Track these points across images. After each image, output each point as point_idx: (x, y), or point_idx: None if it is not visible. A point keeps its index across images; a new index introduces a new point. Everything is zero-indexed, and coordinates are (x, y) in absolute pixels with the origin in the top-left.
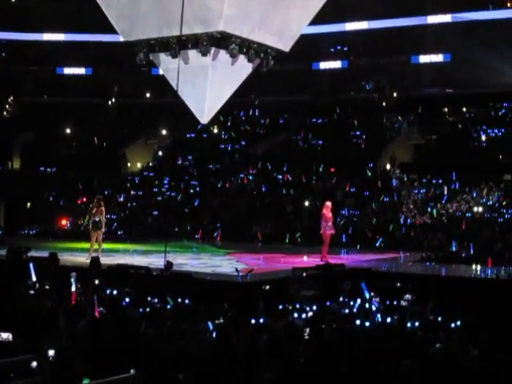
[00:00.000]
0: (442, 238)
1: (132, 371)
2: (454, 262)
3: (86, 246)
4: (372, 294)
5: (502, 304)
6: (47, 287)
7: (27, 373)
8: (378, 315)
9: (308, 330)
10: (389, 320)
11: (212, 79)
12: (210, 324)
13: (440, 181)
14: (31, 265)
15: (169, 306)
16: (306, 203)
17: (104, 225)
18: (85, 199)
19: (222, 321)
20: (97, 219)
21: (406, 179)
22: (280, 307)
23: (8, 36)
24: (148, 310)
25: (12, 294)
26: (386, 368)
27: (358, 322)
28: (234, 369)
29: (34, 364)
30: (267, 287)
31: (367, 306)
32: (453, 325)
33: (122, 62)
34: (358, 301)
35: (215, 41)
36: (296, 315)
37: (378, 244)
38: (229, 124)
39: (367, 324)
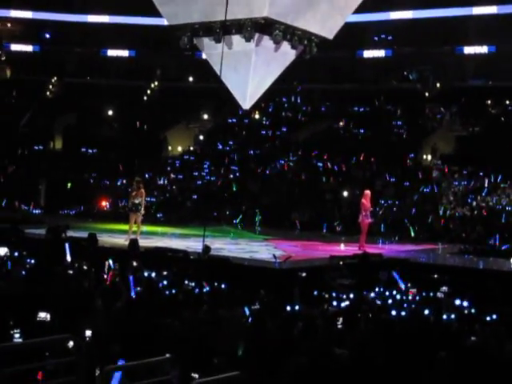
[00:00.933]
0: (480, 231)
1: (167, 355)
2: (493, 256)
3: (125, 227)
4: (408, 284)
5: None
6: (85, 267)
7: (63, 352)
8: (413, 306)
9: (341, 319)
10: (425, 312)
11: (255, 65)
12: (246, 309)
13: (481, 173)
14: (67, 245)
15: (205, 290)
16: (346, 192)
17: (143, 207)
18: (125, 181)
19: (257, 306)
20: (136, 201)
21: (446, 170)
22: (316, 295)
23: (53, 17)
24: (184, 293)
25: (50, 274)
26: (421, 359)
27: (393, 312)
28: (267, 354)
29: (71, 344)
30: (303, 274)
31: (402, 297)
32: (488, 318)
33: (166, 45)
34: (394, 292)
35: (259, 26)
36: (334, 303)
37: (412, 234)
38: (270, 110)
39: (403, 314)
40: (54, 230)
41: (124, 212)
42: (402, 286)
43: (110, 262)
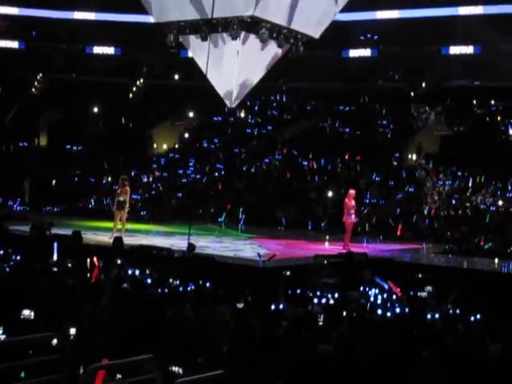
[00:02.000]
0: (465, 231)
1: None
2: (477, 255)
3: (110, 225)
4: (391, 284)
5: None
6: (69, 265)
7: (47, 350)
8: (397, 306)
9: (323, 316)
10: (408, 311)
11: (241, 63)
12: (229, 308)
13: (465, 173)
14: (55, 244)
15: (189, 289)
16: (330, 191)
17: (128, 205)
18: (110, 179)
19: (242, 305)
20: (121, 199)
21: (431, 170)
22: (300, 294)
23: (38, 13)
24: (168, 291)
25: (34, 271)
26: (404, 358)
27: (379, 311)
28: (251, 353)
29: (55, 341)
30: (288, 273)
31: (385, 296)
32: (472, 318)
33: (152, 42)
34: (376, 291)
35: (245, 25)
36: (316, 302)
37: (398, 232)
38: (256, 109)
39: (388, 314)
40: (38, 227)
41: (109, 209)
42: (385, 286)
43: (95, 259)
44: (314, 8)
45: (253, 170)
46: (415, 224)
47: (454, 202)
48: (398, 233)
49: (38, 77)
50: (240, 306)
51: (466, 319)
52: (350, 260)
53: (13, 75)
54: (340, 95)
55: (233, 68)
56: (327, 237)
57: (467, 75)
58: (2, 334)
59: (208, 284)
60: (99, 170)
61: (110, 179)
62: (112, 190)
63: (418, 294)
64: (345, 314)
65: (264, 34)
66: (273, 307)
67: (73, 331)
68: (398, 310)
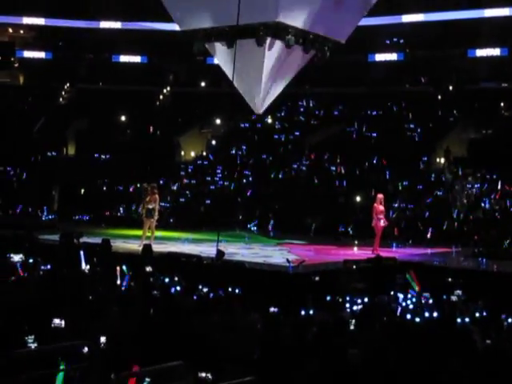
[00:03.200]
0: (494, 234)
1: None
2: (507, 259)
3: (139, 233)
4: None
5: None
6: (99, 273)
7: (77, 358)
8: (426, 310)
9: (354, 321)
10: (438, 315)
11: (267, 69)
12: (259, 314)
13: (494, 176)
14: (81, 252)
15: (219, 295)
16: (359, 195)
17: (157, 213)
18: (138, 186)
19: (272, 311)
20: (150, 207)
21: (459, 173)
22: (330, 299)
23: (65, 23)
24: (198, 298)
25: (64, 280)
26: (434, 364)
27: (408, 316)
28: (282, 359)
29: (85, 350)
30: (317, 278)
31: (415, 300)
32: (504, 323)
33: (178, 50)
34: (408, 295)
35: (271, 31)
36: (347, 307)
37: (428, 235)
38: (283, 114)
39: (417, 319)
40: (67, 235)
41: (138, 218)
42: (416, 288)
43: (124, 267)
44: (339, 13)
45: (280, 176)
46: (444, 228)
47: (482, 205)
48: (428, 236)
49: (66, 86)
50: (270, 312)
51: (496, 323)
52: (380, 264)
53: (40, 85)
54: (367, 100)
55: (259, 74)
56: (356, 242)
57: (494, 77)
58: (33, 342)
59: (237, 290)
60: (127, 179)
61: (138, 187)
62: (140, 198)
63: (450, 297)
64: (374, 319)
65: (290, 39)
66: (302, 313)
67: (103, 339)
68: (427, 314)
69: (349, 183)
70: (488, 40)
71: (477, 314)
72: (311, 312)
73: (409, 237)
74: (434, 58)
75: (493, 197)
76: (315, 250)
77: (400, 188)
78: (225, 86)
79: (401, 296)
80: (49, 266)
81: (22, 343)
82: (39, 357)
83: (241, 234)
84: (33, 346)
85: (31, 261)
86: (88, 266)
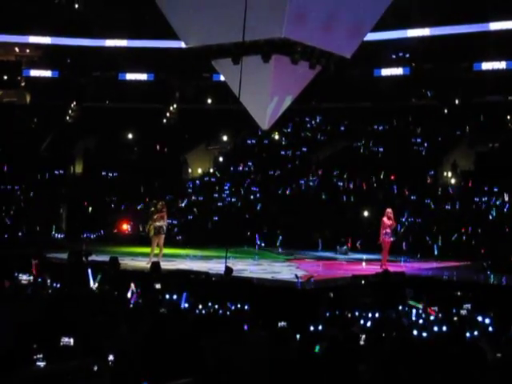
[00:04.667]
0: (503, 247)
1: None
2: None
3: (147, 250)
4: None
5: None
6: (108, 291)
7: (87, 376)
8: (435, 325)
9: (364, 336)
10: (448, 330)
11: (273, 85)
12: (268, 331)
13: (502, 189)
14: (89, 270)
15: (228, 312)
16: (366, 210)
17: (165, 230)
18: (146, 204)
19: (281, 327)
20: (158, 224)
21: (467, 187)
22: (339, 315)
23: (71, 42)
24: (206, 315)
25: (73, 298)
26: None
27: (415, 332)
28: (291, 375)
29: (95, 368)
30: (331, 294)
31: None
32: None
33: (184, 67)
34: (416, 310)
35: (277, 47)
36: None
37: (435, 252)
38: (290, 130)
39: (424, 334)
40: (76, 254)
41: (146, 235)
42: (420, 306)
43: (133, 285)
44: (344, 28)
45: (288, 192)
46: (452, 241)
47: (490, 217)
48: (435, 251)
49: (72, 105)
50: (279, 328)
51: (506, 336)
52: (388, 279)
53: (47, 104)
54: (373, 114)
55: (265, 90)
56: (364, 257)
57: (500, 91)
58: (42, 361)
59: (246, 307)
60: (135, 196)
61: (145, 204)
62: (148, 216)
63: (459, 311)
64: (384, 334)
65: (296, 55)
66: (311, 329)
67: (112, 357)
68: (435, 329)
69: (356, 198)
70: (494, 53)
71: (488, 328)
72: (320, 327)
73: (417, 251)
74: (439, 72)
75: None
76: (323, 265)
77: (407, 202)
78: (231, 102)
79: (412, 311)
80: (57, 285)
81: (31, 362)
82: (48, 375)
83: (249, 251)
84: (42, 364)
85: (39, 279)
86: (96, 285)
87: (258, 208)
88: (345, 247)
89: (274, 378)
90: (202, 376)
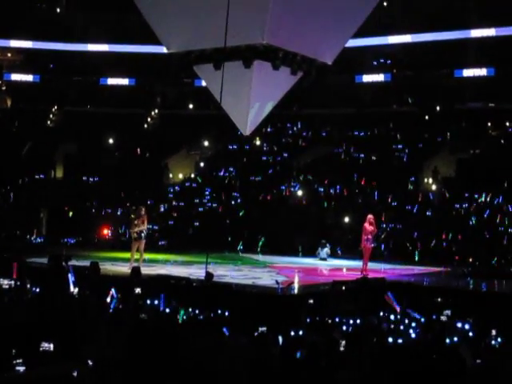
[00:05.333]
0: (483, 253)
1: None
2: (496, 278)
3: (128, 255)
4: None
5: None
6: (88, 296)
7: (67, 381)
8: (411, 331)
9: (344, 342)
10: (427, 335)
11: (255, 91)
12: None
13: (482, 196)
14: (70, 275)
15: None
16: (347, 216)
17: (145, 235)
18: (126, 209)
19: (260, 333)
20: (138, 229)
21: (447, 193)
22: (320, 321)
23: (52, 46)
24: (187, 320)
25: (53, 303)
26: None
27: (392, 338)
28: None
29: (74, 373)
30: (311, 301)
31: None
32: (493, 341)
33: (165, 73)
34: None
35: (258, 53)
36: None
37: (416, 258)
38: (271, 136)
39: (401, 341)
40: (55, 258)
41: (126, 240)
42: (397, 308)
43: (113, 290)
44: (326, 34)
45: (269, 198)
46: (433, 247)
47: (471, 224)
48: (416, 257)
49: (53, 109)
50: (259, 333)
51: (486, 342)
52: (368, 285)
53: (28, 108)
54: (354, 121)
55: (247, 96)
56: (345, 263)
57: (481, 98)
58: (21, 365)
59: (226, 313)
60: (116, 201)
61: (126, 209)
62: (129, 221)
63: (439, 317)
64: (364, 340)
65: (277, 61)
66: (291, 334)
67: (92, 362)
68: (413, 336)
69: (337, 204)
70: (474, 60)
71: (468, 334)
72: (300, 333)
73: (397, 257)
74: (420, 79)
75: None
76: (304, 271)
77: (388, 208)
78: (213, 108)
79: (391, 316)
80: (37, 289)
81: (10, 367)
82: (27, 380)
83: (229, 256)
84: (21, 369)
85: (19, 283)
86: (77, 289)
87: (240, 214)
88: (326, 249)
89: (255, 382)
90: (182, 382)
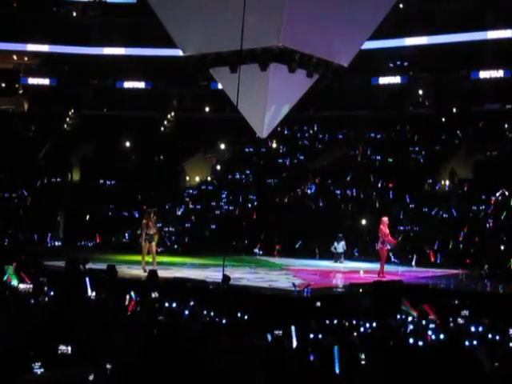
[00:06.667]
0: (501, 255)
1: None
2: None
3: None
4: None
5: None
6: (105, 299)
7: None
8: (431, 333)
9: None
10: (446, 338)
11: (271, 94)
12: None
13: (500, 198)
14: (87, 279)
15: (224, 320)
16: (364, 219)
17: (157, 237)
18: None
19: (278, 335)
20: (150, 232)
21: (465, 195)
22: (337, 323)
23: (70, 50)
24: (204, 323)
25: (70, 306)
26: None
27: (411, 340)
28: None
29: (91, 377)
30: (318, 304)
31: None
32: (511, 344)
33: (182, 76)
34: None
35: (274, 55)
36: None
37: (437, 260)
38: (287, 139)
39: (420, 343)
40: (73, 261)
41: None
42: (414, 314)
43: (132, 293)
44: (342, 36)
45: (286, 200)
46: (450, 250)
47: (487, 226)
48: (432, 259)
49: (70, 113)
50: (275, 336)
51: (503, 345)
52: (385, 288)
53: (45, 112)
54: (371, 123)
55: (263, 99)
56: (362, 265)
57: (498, 99)
58: (40, 368)
59: (243, 315)
60: (132, 204)
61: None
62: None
63: (457, 320)
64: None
65: (293, 63)
66: (308, 337)
67: (109, 365)
68: (433, 337)
69: (354, 206)
70: (491, 62)
71: (486, 337)
72: (314, 336)
73: (415, 259)
74: (437, 81)
75: None
76: (321, 273)
77: (405, 210)
78: (229, 110)
79: (409, 319)
80: (54, 293)
81: (29, 369)
82: (46, 383)
83: (246, 259)
84: (39, 371)
85: (37, 287)
86: (94, 293)
87: (255, 217)
88: (342, 242)
89: None
90: None
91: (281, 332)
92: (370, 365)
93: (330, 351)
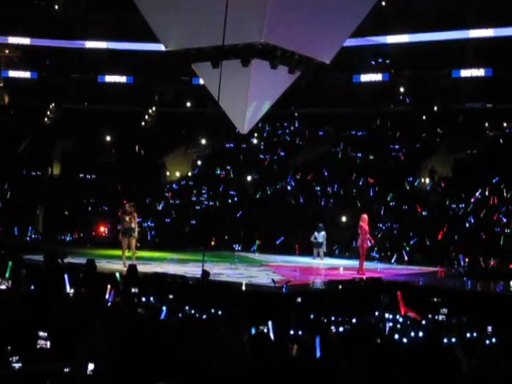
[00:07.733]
0: (479, 253)
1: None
2: (491, 278)
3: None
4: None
5: None
6: (83, 294)
7: (62, 379)
8: (412, 330)
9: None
10: (424, 335)
11: (252, 90)
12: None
13: (479, 196)
14: (66, 275)
15: (204, 315)
16: (344, 215)
17: (136, 231)
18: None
19: (257, 331)
20: (129, 226)
21: (444, 193)
22: (315, 320)
23: (50, 43)
24: (183, 318)
25: (48, 301)
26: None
27: (396, 336)
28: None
29: (68, 370)
30: (299, 299)
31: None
32: (487, 341)
33: (163, 71)
34: (391, 315)
35: (257, 51)
36: (333, 327)
37: (412, 257)
38: (268, 135)
39: (404, 340)
40: (51, 256)
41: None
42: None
43: (117, 275)
44: (324, 33)
45: (266, 196)
46: (429, 247)
47: (467, 224)
48: (406, 257)
49: (51, 106)
50: (255, 332)
51: (481, 343)
52: (365, 285)
53: (26, 105)
54: (352, 120)
55: (244, 95)
56: (341, 262)
57: (479, 98)
58: (18, 362)
59: (222, 311)
60: (112, 199)
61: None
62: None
63: (435, 317)
64: (361, 339)
65: (275, 60)
66: (286, 333)
67: (87, 359)
68: (412, 334)
69: (334, 203)
70: (472, 60)
71: (466, 334)
72: (293, 332)
73: (393, 256)
74: (418, 79)
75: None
76: (300, 270)
77: (385, 208)
78: (210, 106)
79: (387, 316)
80: (33, 287)
81: (6, 364)
82: (24, 377)
83: (226, 255)
84: (17, 366)
85: (15, 281)
86: (72, 290)
87: (235, 213)
88: (322, 232)
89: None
90: (177, 379)
91: (262, 327)
92: (348, 361)
93: (308, 347)
